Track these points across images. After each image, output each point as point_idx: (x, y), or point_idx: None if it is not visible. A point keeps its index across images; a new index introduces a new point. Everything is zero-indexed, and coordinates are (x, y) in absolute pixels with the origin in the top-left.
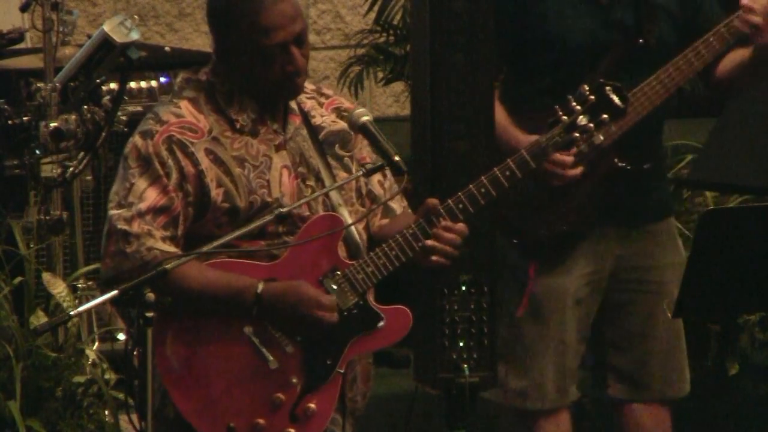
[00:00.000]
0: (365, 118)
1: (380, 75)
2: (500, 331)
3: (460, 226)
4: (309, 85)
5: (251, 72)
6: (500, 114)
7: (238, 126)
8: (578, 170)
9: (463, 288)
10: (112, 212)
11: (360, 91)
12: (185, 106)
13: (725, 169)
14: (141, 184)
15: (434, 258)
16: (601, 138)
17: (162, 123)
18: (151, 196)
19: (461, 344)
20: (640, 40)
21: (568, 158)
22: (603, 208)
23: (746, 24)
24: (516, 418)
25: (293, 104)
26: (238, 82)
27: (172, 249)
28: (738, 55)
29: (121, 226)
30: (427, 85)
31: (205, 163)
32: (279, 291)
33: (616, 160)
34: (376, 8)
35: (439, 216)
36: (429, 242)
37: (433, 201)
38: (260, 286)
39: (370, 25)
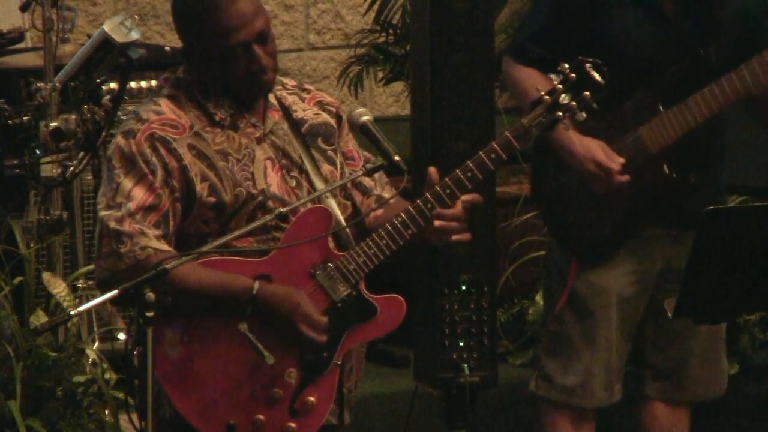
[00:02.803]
0: (365, 118)
1: (380, 75)
2: (549, 326)
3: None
4: (290, 81)
5: (217, 72)
6: (532, 74)
7: (217, 119)
8: (625, 177)
9: (463, 288)
10: (102, 213)
11: (360, 91)
12: (165, 104)
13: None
14: (127, 183)
15: (447, 237)
16: (584, 115)
17: (143, 121)
18: (139, 195)
19: (461, 344)
20: (701, 52)
21: (616, 166)
22: (654, 209)
23: None
24: (557, 415)
25: (273, 99)
26: (209, 81)
27: (165, 247)
28: None
29: (114, 226)
30: (427, 85)
31: (188, 158)
32: (275, 296)
33: (665, 167)
34: (375, 8)
35: (428, 203)
36: (437, 223)
37: (433, 170)
38: (255, 287)
39: (370, 25)
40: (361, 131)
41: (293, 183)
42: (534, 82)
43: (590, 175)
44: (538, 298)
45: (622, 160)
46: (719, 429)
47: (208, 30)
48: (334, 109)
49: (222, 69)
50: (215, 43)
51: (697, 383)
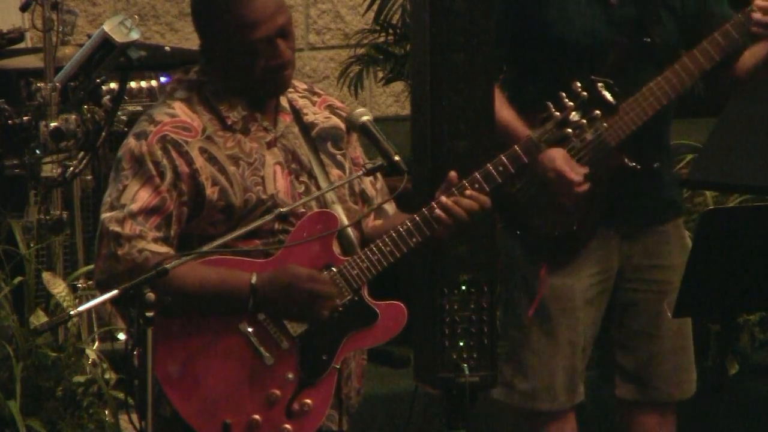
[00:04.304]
0: (365, 118)
1: (380, 75)
2: (508, 333)
3: (482, 197)
4: (301, 85)
5: (238, 68)
6: (504, 109)
7: (229, 123)
8: (585, 187)
9: (463, 288)
10: (105, 215)
11: (360, 91)
12: (179, 106)
13: (725, 169)
14: (133, 185)
15: (444, 218)
16: (593, 132)
17: (156, 123)
18: (143, 197)
19: (461, 344)
20: (646, 39)
21: (579, 177)
22: (609, 207)
23: (757, 23)
24: (522, 419)
25: (284, 102)
26: (226, 80)
27: (164, 250)
28: (760, 49)
29: (113, 228)
30: (427, 85)
31: (199, 161)
32: (272, 276)
33: (626, 159)
34: (375, 8)
35: (434, 213)
36: (444, 199)
37: (454, 174)
38: (254, 278)
39: (370, 25)
40: (361, 131)
41: (302, 188)
42: (505, 116)
43: (553, 185)
44: None
45: (584, 170)
46: (719, 429)
47: (230, 24)
48: (344, 114)
49: (243, 64)
50: (238, 36)
51: (666, 383)
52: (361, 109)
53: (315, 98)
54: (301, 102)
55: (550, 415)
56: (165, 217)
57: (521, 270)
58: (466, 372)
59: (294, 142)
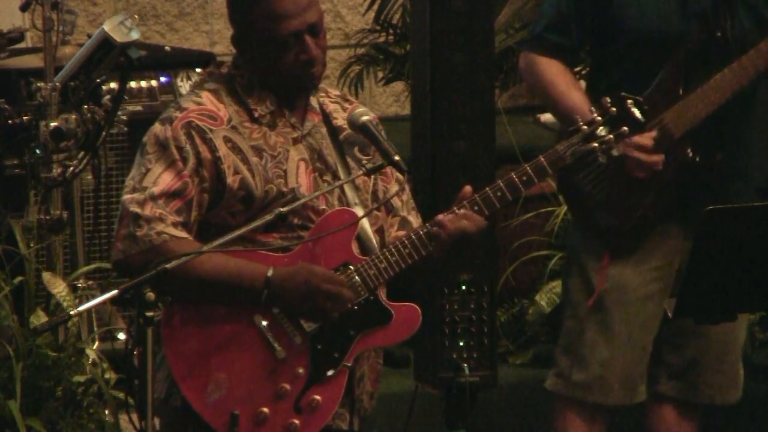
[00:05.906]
0: (365, 118)
1: (380, 75)
2: (565, 323)
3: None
4: (333, 91)
5: (266, 61)
6: (573, 90)
7: (256, 115)
8: (660, 157)
9: (463, 288)
10: (126, 197)
11: (360, 91)
12: (206, 96)
13: None
14: (157, 169)
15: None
16: (621, 149)
17: (182, 110)
18: (166, 181)
19: (461, 344)
20: (718, 33)
21: (650, 141)
22: (673, 199)
23: None
24: (571, 411)
25: (314, 103)
26: (256, 74)
27: (182, 234)
28: None
29: (134, 209)
30: (427, 85)
31: (222, 150)
32: (289, 271)
33: (688, 150)
34: (375, 8)
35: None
36: (439, 217)
37: (468, 189)
38: (270, 271)
39: (370, 25)
40: (361, 131)
41: (324, 187)
42: (557, 72)
43: (627, 159)
44: (538, 298)
45: (652, 134)
46: (719, 429)
47: (261, 16)
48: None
49: (272, 57)
50: (268, 29)
51: (710, 386)
52: (361, 109)
53: (346, 105)
54: (331, 106)
55: (601, 411)
56: (186, 202)
57: (580, 260)
58: (466, 372)
59: (321, 142)
